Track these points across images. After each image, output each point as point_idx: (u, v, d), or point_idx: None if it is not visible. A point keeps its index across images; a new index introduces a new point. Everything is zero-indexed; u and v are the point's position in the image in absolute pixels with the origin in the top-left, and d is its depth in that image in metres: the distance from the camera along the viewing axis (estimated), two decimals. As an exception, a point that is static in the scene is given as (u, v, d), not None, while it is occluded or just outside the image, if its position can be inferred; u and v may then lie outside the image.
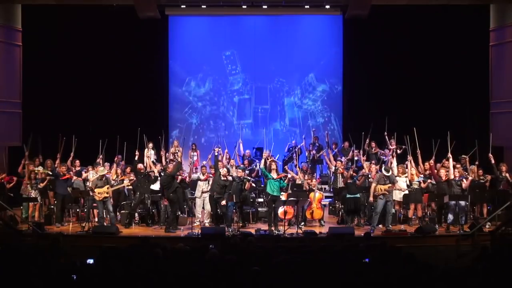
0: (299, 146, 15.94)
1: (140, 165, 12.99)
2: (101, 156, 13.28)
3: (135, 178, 12.86)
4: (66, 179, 12.75)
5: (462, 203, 11.90)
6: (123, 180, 13.02)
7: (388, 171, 11.94)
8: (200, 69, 18.15)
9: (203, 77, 18.16)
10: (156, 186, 12.90)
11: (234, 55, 18.13)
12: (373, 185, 11.99)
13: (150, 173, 12.94)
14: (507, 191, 12.52)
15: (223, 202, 12.00)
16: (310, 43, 18.09)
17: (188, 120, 18.21)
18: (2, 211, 12.23)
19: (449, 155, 12.38)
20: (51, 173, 12.76)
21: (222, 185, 12.12)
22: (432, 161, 12.97)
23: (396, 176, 12.63)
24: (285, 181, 12.31)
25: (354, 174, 12.76)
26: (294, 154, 15.58)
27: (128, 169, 13.21)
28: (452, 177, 12.06)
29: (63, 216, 12.99)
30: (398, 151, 14.33)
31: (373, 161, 13.95)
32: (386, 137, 14.81)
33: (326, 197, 14.26)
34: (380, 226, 12.11)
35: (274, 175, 12.08)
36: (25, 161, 13.06)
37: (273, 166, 12.21)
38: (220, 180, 12.12)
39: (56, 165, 12.88)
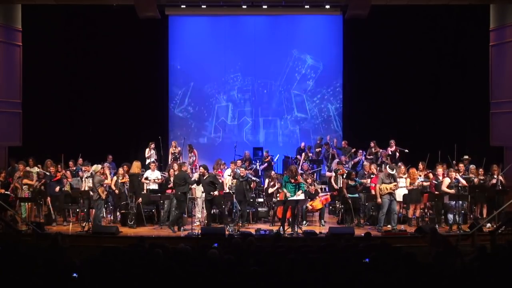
0: (311, 153, 16.03)
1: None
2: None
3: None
4: (57, 180, 12.74)
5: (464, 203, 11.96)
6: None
7: (392, 169, 11.91)
8: (200, 68, 18.15)
9: (203, 77, 18.17)
10: (154, 186, 12.92)
11: (234, 55, 18.13)
12: (378, 186, 11.97)
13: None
14: (507, 191, 12.51)
15: (215, 193, 11.96)
16: (310, 43, 18.10)
17: (188, 120, 18.21)
18: (3, 211, 12.21)
19: (453, 171, 12.40)
20: (47, 174, 12.74)
21: (208, 183, 12.08)
22: (423, 164, 12.98)
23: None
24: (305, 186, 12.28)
25: (354, 175, 12.75)
26: (306, 157, 15.61)
27: (121, 171, 13.06)
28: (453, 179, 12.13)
29: (64, 215, 12.93)
30: (397, 155, 14.32)
31: (372, 160, 13.96)
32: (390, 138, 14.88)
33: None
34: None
35: (292, 179, 12.02)
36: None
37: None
38: (202, 180, 12.12)
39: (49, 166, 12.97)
